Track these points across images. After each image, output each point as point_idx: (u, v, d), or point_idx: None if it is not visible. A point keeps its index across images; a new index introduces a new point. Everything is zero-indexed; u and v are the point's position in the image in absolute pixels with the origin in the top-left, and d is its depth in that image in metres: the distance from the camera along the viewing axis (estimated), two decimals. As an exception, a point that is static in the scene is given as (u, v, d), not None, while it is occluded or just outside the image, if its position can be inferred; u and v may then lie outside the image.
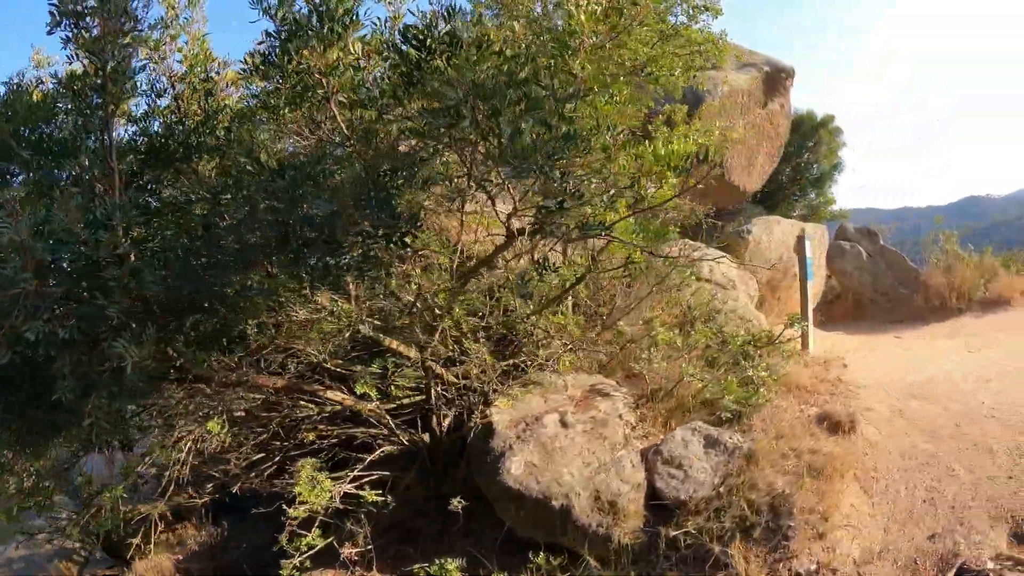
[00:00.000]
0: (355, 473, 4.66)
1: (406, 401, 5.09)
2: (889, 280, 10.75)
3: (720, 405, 5.56)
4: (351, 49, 3.45)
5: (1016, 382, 5.98)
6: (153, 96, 4.91)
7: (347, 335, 4.46)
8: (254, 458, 5.20)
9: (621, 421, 5.08)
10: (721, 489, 4.65)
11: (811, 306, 7.20)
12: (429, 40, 2.95)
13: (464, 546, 4.68)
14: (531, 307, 5.49)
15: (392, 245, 3.30)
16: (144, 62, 4.60)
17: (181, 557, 5.81)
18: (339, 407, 4.85)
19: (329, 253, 3.38)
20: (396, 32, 3.65)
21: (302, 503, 3.95)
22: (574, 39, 3.78)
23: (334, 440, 5.02)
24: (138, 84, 4.21)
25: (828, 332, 10.16)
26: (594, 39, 3.77)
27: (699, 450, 4.85)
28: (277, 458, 5.10)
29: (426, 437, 5.24)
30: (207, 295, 3.83)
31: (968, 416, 5.45)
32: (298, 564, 4.01)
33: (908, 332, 9.39)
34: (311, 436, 4.95)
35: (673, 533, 4.37)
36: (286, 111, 4.04)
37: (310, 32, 3.21)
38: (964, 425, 5.32)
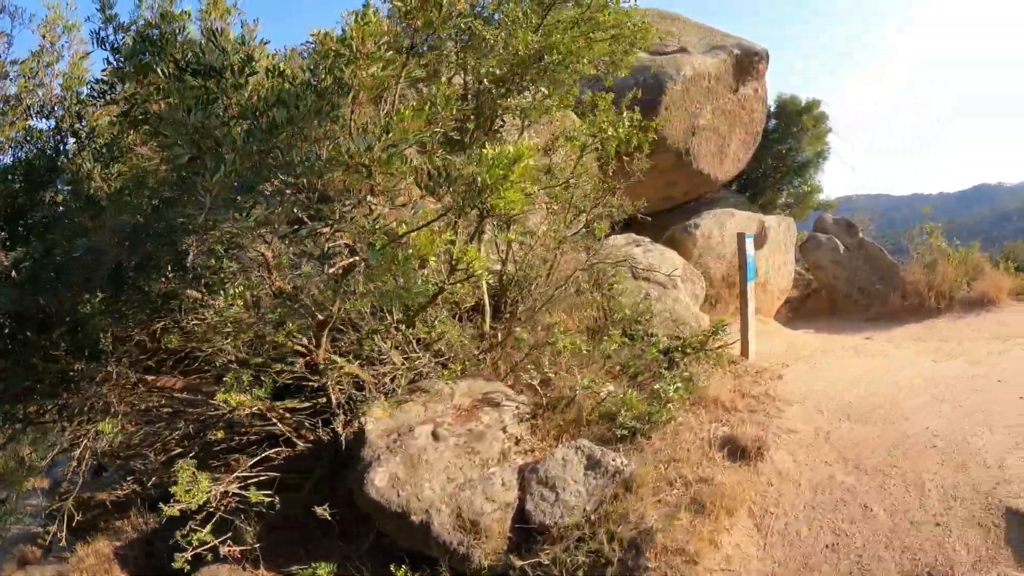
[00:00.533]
0: (239, 474, 4.48)
1: (306, 404, 4.89)
2: (866, 275, 9.78)
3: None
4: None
5: (973, 405, 5.09)
6: (35, 120, 5.19)
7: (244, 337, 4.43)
8: (173, 453, 5.20)
9: (504, 435, 4.63)
10: (593, 516, 4.04)
11: (751, 309, 6.36)
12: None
13: (345, 551, 4.42)
14: (397, 316, 4.81)
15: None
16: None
17: (119, 544, 5.74)
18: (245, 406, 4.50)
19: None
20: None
21: (177, 502, 3.88)
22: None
23: (254, 437, 4.92)
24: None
25: (795, 330, 9.29)
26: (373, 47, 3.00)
27: (578, 471, 4.24)
28: (191, 454, 4.94)
29: (327, 438, 4.89)
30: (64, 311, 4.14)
31: (906, 444, 4.60)
32: (188, 559, 4.01)
33: (880, 333, 8.45)
34: (220, 434, 4.85)
35: (520, 563, 3.74)
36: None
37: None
38: (898, 455, 4.48)
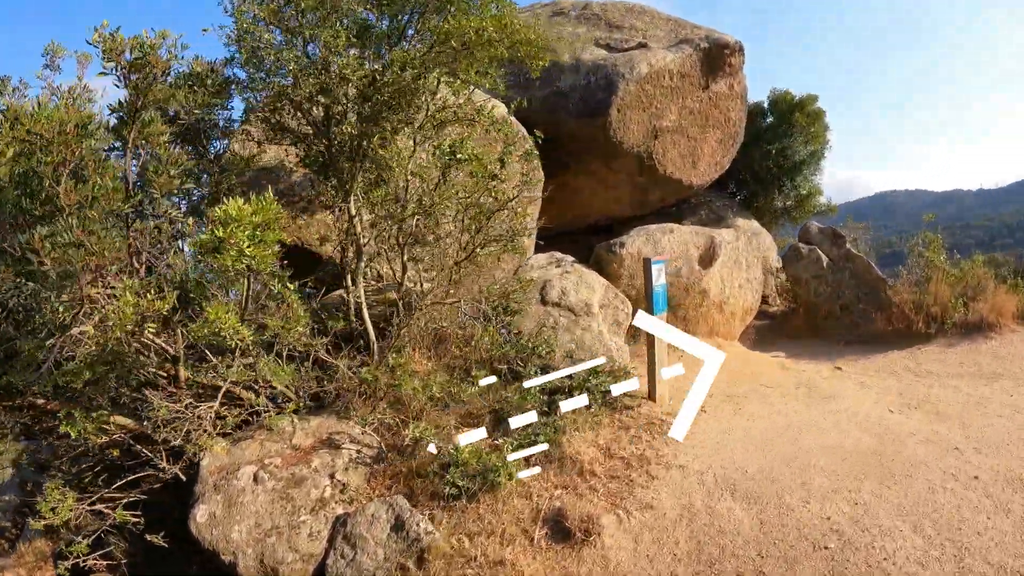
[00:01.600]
0: (105, 494, 4.26)
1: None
2: (852, 292, 8.26)
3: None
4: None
5: (908, 490, 3.80)
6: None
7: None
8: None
9: (329, 481, 4.20)
10: (383, 584, 3.28)
11: (660, 345, 5.17)
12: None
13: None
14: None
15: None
16: None
17: (53, 544, 5.52)
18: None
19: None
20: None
21: (42, 518, 3.86)
22: None
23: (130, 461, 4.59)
24: None
25: (765, 352, 7.91)
26: None
27: (383, 532, 3.73)
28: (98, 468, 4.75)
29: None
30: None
31: (789, 541, 3.41)
32: (68, 567, 4.04)
33: (855, 361, 7.01)
34: (116, 452, 4.51)
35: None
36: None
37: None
38: (772, 558, 3.31)
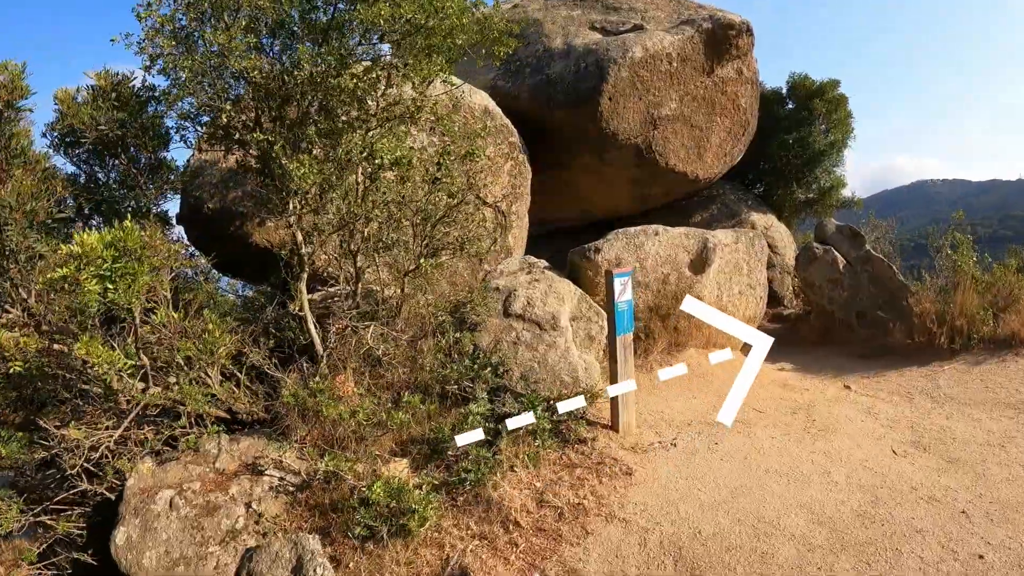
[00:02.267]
0: (48, 506, 3.97)
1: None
2: (870, 298, 7.33)
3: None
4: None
5: (884, 572, 3.06)
6: None
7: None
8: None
9: (245, 511, 3.88)
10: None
11: (623, 370, 4.48)
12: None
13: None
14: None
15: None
16: None
17: (27, 544, 5.47)
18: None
19: None
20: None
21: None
22: None
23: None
24: None
25: (769, 363, 7.08)
26: None
27: (283, 573, 3.21)
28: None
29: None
30: None
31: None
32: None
33: (866, 380, 6.13)
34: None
35: None
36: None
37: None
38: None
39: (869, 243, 7.59)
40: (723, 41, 7.99)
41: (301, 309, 5.04)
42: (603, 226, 10.81)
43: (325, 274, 6.03)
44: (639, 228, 6.03)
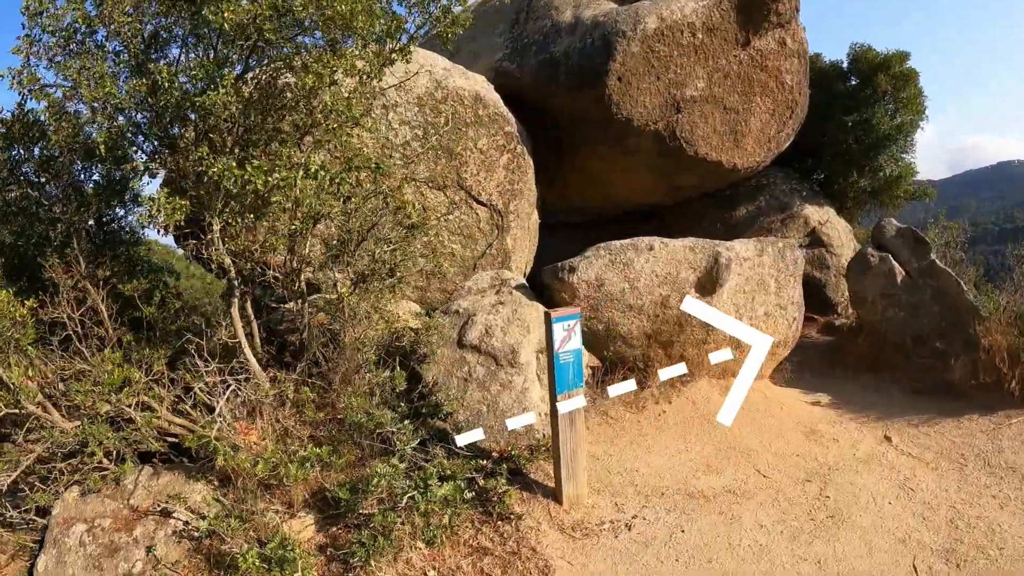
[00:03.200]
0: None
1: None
2: (931, 321, 5.94)
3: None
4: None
5: None
6: None
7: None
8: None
9: (146, 555, 3.64)
10: None
11: (568, 434, 3.59)
12: None
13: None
14: None
15: None
16: None
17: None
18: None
19: None
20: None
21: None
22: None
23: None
24: None
25: (803, 392, 5.95)
26: None
27: None
28: None
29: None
30: None
31: None
32: None
33: (916, 431, 4.89)
34: None
35: None
36: None
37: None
38: None
39: (936, 251, 6.14)
40: (759, 6, 6.62)
41: (234, 337, 4.49)
42: (642, 215, 9.74)
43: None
44: (628, 242, 4.99)
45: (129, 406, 3.82)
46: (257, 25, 3.41)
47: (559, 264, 4.90)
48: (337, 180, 3.82)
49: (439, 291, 6.84)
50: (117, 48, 3.83)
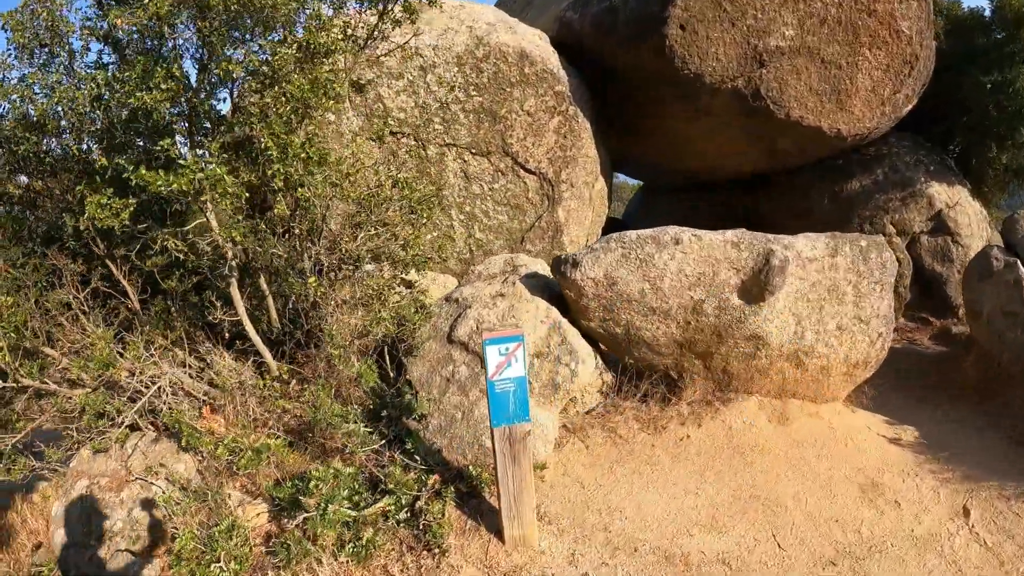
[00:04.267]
0: None
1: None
2: (1071, 353, 4.49)
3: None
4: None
5: None
6: None
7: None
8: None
9: (127, 515, 3.79)
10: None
11: (512, 472, 2.94)
12: None
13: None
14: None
15: None
16: None
17: None
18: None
19: None
20: None
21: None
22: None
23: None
24: None
25: (888, 422, 4.84)
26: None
27: None
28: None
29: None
30: None
31: None
32: None
33: (1006, 504, 3.69)
34: None
35: None
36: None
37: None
38: None
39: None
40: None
41: (235, 315, 4.26)
42: (741, 186, 8.51)
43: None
44: (648, 233, 4.06)
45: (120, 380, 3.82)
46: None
47: (563, 256, 4.12)
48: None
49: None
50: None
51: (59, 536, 3.80)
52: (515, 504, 3.09)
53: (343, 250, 4.16)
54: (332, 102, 3.62)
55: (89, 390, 3.90)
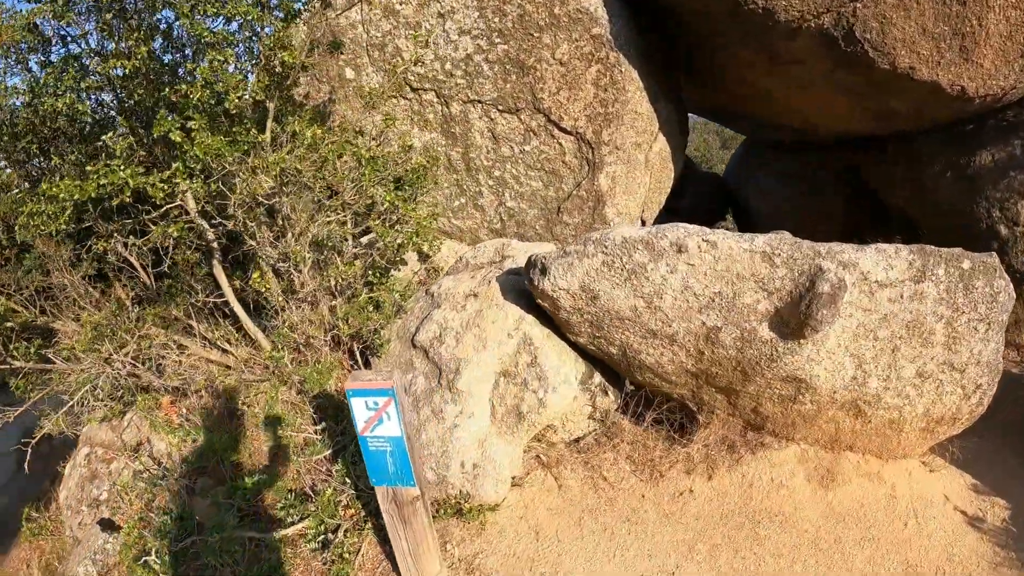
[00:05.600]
0: None
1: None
2: None
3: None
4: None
5: None
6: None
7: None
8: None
9: (111, 487, 4.01)
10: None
11: (407, 540, 2.38)
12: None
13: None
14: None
15: None
16: None
17: None
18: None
19: None
20: None
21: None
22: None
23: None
24: None
25: (976, 490, 3.70)
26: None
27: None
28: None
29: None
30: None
31: None
32: None
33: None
34: None
35: None
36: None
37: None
38: None
39: None
40: None
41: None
42: (851, 147, 6.88)
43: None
44: (640, 234, 3.06)
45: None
46: None
47: (532, 257, 3.27)
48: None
49: (517, 236, 5.59)
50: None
51: (63, 496, 4.14)
52: (414, 565, 2.58)
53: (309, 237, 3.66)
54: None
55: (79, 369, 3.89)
